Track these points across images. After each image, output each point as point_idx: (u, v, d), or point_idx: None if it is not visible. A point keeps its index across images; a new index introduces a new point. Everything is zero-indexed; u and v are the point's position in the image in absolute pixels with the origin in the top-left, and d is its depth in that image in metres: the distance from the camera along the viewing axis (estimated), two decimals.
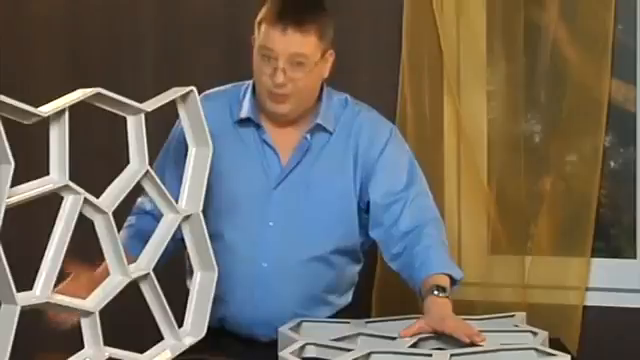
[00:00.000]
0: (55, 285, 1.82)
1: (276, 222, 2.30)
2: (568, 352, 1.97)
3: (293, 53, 2.21)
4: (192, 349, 2.10)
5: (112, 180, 1.97)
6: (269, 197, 2.30)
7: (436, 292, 2.15)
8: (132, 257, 2.06)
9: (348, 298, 2.46)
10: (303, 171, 2.32)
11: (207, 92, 2.39)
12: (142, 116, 1.99)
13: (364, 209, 2.35)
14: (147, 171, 2.01)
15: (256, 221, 2.30)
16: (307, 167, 2.32)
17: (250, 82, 2.37)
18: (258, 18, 2.27)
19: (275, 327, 2.19)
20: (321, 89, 2.35)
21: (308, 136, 2.32)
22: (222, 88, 2.41)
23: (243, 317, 2.32)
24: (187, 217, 2.11)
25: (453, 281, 2.23)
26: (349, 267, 2.43)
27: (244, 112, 2.33)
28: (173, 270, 2.39)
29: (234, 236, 2.30)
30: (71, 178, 1.83)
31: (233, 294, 2.31)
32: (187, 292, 2.21)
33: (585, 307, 2.92)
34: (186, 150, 2.18)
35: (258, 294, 2.31)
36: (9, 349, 1.71)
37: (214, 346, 2.20)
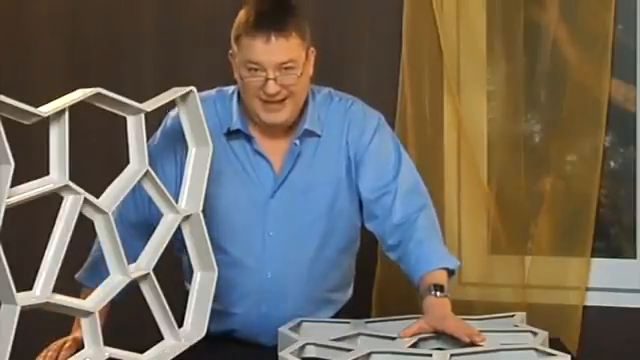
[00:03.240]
0: (55, 286, 1.82)
1: (275, 231, 2.28)
2: (568, 352, 1.97)
3: (280, 62, 2.16)
4: (194, 350, 2.10)
5: (112, 180, 1.97)
6: (266, 207, 2.28)
7: (434, 292, 2.14)
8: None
9: (349, 293, 2.46)
10: (297, 177, 2.29)
11: None
12: (142, 116, 1.99)
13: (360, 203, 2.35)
14: (147, 171, 2.01)
15: (256, 233, 2.28)
16: (301, 172, 2.29)
17: (234, 89, 2.32)
18: (234, 34, 2.20)
19: None
20: None
21: (297, 142, 2.28)
22: (205, 94, 2.30)
23: (251, 328, 2.30)
24: (187, 217, 2.11)
25: (450, 271, 2.23)
26: (351, 262, 2.43)
27: (234, 124, 2.28)
28: (173, 270, 2.40)
29: (236, 250, 2.28)
30: (71, 178, 1.83)
31: (240, 306, 2.30)
32: (187, 293, 2.21)
33: (585, 307, 2.92)
34: (179, 141, 2.18)
35: (265, 304, 2.29)
36: (9, 349, 1.71)
37: (217, 350, 2.21)
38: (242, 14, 2.21)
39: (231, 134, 2.29)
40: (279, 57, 2.16)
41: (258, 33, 2.15)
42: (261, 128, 2.28)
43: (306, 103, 2.30)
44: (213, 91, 2.35)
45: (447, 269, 2.21)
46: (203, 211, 2.14)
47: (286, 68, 2.17)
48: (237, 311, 2.31)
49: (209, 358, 2.19)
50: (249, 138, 2.29)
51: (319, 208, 2.30)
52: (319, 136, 2.30)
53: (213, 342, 2.20)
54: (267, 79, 2.17)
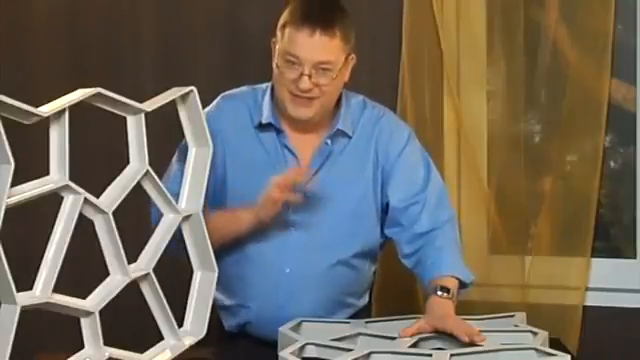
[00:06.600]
0: (55, 286, 1.82)
1: (298, 228, 2.29)
2: (568, 352, 1.97)
3: (319, 61, 2.17)
4: (205, 346, 2.10)
5: (112, 180, 1.97)
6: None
7: (440, 292, 2.16)
8: None
9: (366, 299, 2.46)
10: (324, 176, 2.30)
11: (224, 94, 2.38)
12: (142, 116, 1.99)
13: (383, 210, 2.35)
14: (147, 171, 2.01)
15: (278, 227, 2.27)
16: (328, 172, 2.30)
17: (267, 85, 2.34)
18: (281, 21, 2.22)
19: None
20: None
21: (329, 141, 2.30)
22: (237, 91, 2.37)
23: (265, 322, 2.29)
24: (187, 217, 2.11)
25: (463, 284, 2.23)
26: (368, 268, 2.42)
27: (265, 117, 2.29)
28: (173, 270, 2.39)
29: (256, 242, 2.29)
30: (71, 178, 1.83)
31: (256, 300, 2.31)
32: (187, 292, 2.21)
33: (585, 307, 2.92)
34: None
35: (281, 300, 2.29)
36: (9, 349, 1.71)
37: (229, 349, 2.20)
38: (292, 4, 2.23)
39: (262, 127, 2.30)
40: (319, 55, 2.17)
41: (304, 26, 2.16)
42: (292, 123, 2.30)
43: (339, 105, 2.31)
44: (245, 87, 2.38)
45: (460, 281, 2.22)
46: (230, 200, 2.19)
47: (323, 68, 2.19)
48: (252, 305, 2.31)
49: (221, 354, 2.19)
50: (279, 132, 2.30)
51: (344, 209, 2.30)
52: (349, 137, 2.32)
53: (226, 338, 2.20)
54: (302, 74, 2.18)
